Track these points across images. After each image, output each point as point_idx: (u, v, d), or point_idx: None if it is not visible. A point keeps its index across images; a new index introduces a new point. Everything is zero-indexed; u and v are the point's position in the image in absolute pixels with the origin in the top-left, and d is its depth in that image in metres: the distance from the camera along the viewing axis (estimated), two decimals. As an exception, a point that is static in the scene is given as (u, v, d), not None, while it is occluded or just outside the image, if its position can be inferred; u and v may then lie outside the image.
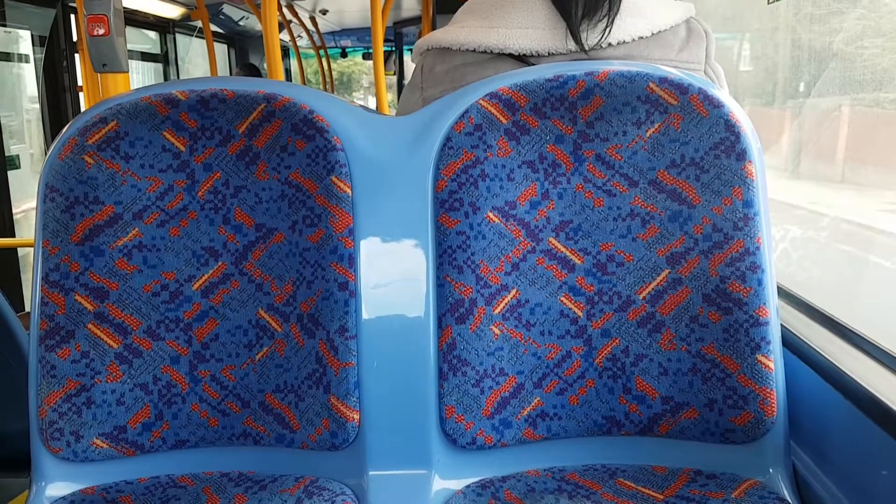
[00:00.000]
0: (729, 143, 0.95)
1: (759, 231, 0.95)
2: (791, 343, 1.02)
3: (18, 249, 3.72)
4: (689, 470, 0.98)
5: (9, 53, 3.94)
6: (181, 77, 6.06)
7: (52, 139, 1.01)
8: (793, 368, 0.99)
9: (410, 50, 1.29)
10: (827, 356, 0.93)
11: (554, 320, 1.00)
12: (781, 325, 0.98)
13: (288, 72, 9.24)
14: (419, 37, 1.49)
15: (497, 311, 0.99)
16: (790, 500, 0.93)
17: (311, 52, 8.79)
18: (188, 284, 1.02)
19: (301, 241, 1.00)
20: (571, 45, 1.05)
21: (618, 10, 1.04)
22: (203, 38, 5.31)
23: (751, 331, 0.94)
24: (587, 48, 1.05)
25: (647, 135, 0.97)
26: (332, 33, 8.85)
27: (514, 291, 0.99)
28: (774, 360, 0.94)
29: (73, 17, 4.06)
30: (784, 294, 1.19)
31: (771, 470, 0.96)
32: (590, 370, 0.99)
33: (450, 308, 0.98)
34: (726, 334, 0.95)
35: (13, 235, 3.66)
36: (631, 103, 0.97)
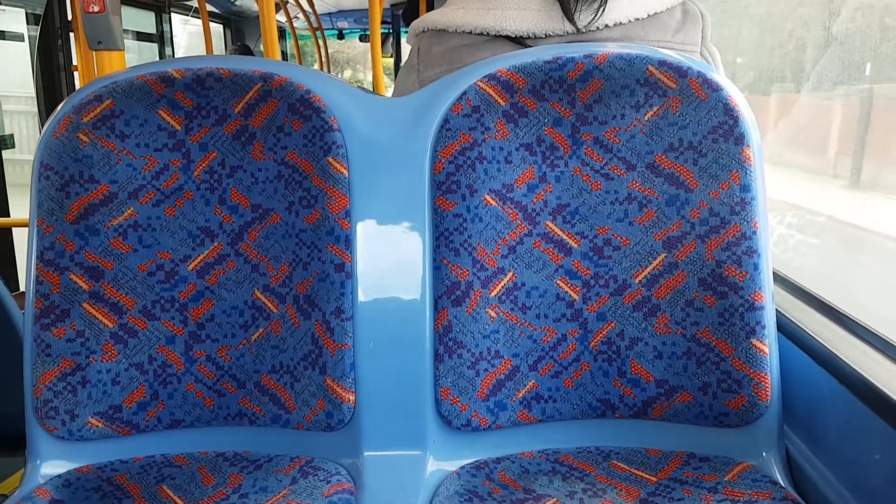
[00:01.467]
0: (727, 128, 0.95)
1: (755, 216, 0.95)
2: (786, 328, 1.02)
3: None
4: (683, 453, 0.99)
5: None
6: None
7: (47, 117, 1.00)
8: (787, 353, 0.99)
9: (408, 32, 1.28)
10: (821, 341, 0.94)
11: (550, 303, 1.00)
12: (776, 309, 0.99)
13: (284, 54, 9.15)
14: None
15: (493, 294, 0.99)
16: (783, 484, 0.94)
17: (307, 34, 8.72)
18: (184, 264, 1.02)
19: (297, 222, 1.00)
20: (567, 26, 1.04)
21: None
22: (199, 17, 5.26)
23: (746, 315, 0.94)
24: (581, 28, 1.04)
25: (646, 118, 0.97)
26: (329, 14, 8.77)
27: (510, 274, 0.99)
28: (769, 345, 0.95)
29: (68, -5, 4.02)
30: (779, 279, 1.19)
31: (764, 453, 0.97)
32: (585, 353, 1.00)
33: (446, 290, 0.98)
34: (721, 318, 0.95)
35: (7, 215, 3.64)
36: (630, 86, 0.96)
